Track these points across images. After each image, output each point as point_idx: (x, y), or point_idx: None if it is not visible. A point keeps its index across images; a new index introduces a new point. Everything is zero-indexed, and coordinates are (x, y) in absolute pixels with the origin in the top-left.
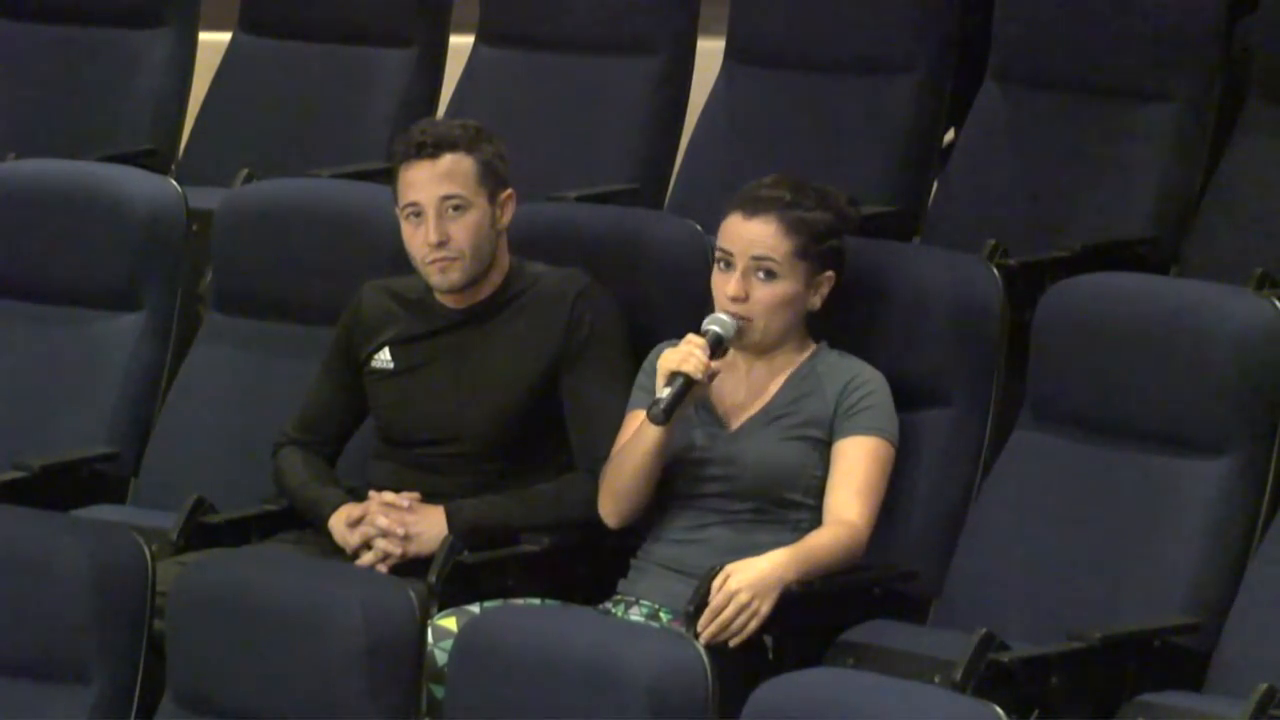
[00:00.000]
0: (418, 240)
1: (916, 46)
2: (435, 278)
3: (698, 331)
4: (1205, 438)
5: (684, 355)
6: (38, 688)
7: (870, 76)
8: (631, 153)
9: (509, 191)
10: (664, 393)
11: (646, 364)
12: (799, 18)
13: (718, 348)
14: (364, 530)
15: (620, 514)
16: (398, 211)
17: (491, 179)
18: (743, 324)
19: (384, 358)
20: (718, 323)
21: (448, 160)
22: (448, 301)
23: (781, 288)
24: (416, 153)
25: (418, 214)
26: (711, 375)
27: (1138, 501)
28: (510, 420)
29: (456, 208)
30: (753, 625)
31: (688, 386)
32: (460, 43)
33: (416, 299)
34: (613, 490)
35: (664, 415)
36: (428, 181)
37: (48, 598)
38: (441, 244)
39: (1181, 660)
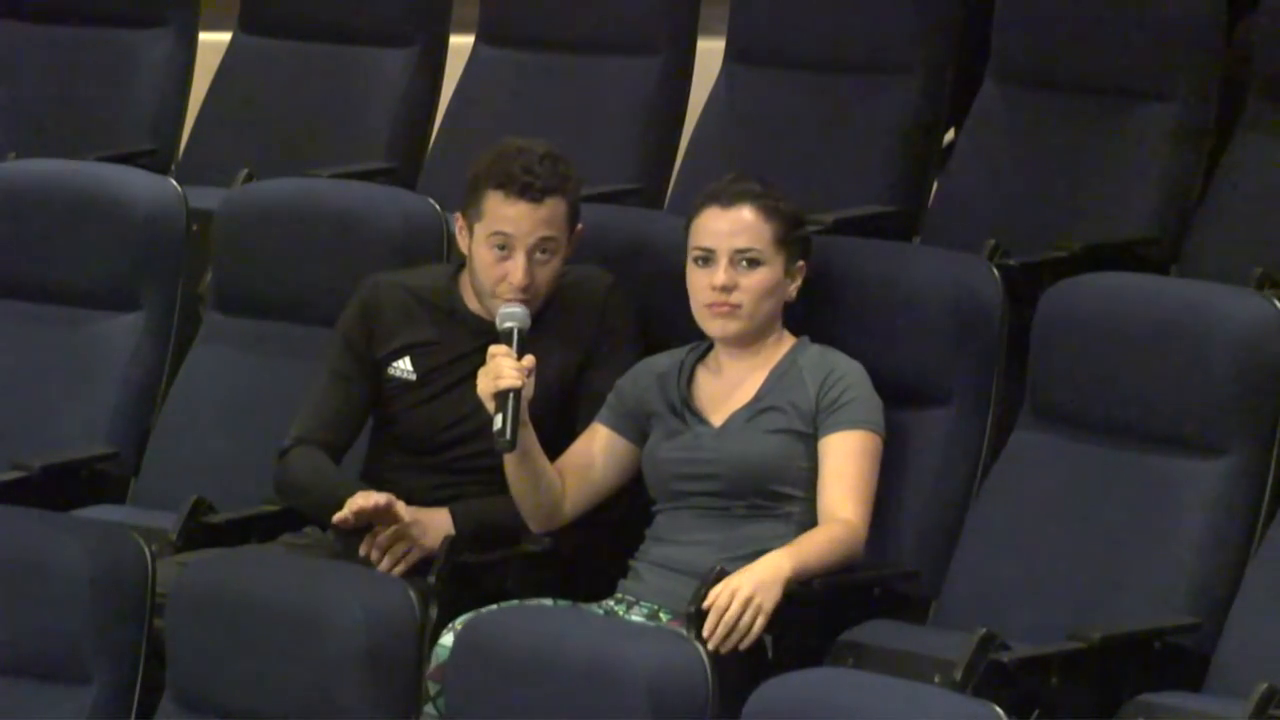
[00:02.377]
0: (496, 273)
1: (916, 46)
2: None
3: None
4: (1205, 438)
5: (498, 371)
6: (38, 688)
7: (870, 76)
8: (631, 153)
9: (581, 226)
10: (498, 420)
11: (620, 384)
12: (799, 18)
13: (520, 341)
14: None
15: (535, 523)
16: (471, 224)
17: (574, 218)
18: (728, 313)
19: (404, 367)
20: (509, 318)
21: (550, 205)
22: (482, 314)
23: (766, 274)
24: (521, 192)
25: (504, 247)
26: (529, 371)
27: (1138, 501)
28: (539, 426)
29: (545, 250)
30: (760, 623)
31: (517, 399)
32: (460, 43)
33: (443, 305)
34: (520, 505)
35: (512, 443)
36: (527, 223)
37: (48, 598)
38: (525, 287)
39: (1181, 660)
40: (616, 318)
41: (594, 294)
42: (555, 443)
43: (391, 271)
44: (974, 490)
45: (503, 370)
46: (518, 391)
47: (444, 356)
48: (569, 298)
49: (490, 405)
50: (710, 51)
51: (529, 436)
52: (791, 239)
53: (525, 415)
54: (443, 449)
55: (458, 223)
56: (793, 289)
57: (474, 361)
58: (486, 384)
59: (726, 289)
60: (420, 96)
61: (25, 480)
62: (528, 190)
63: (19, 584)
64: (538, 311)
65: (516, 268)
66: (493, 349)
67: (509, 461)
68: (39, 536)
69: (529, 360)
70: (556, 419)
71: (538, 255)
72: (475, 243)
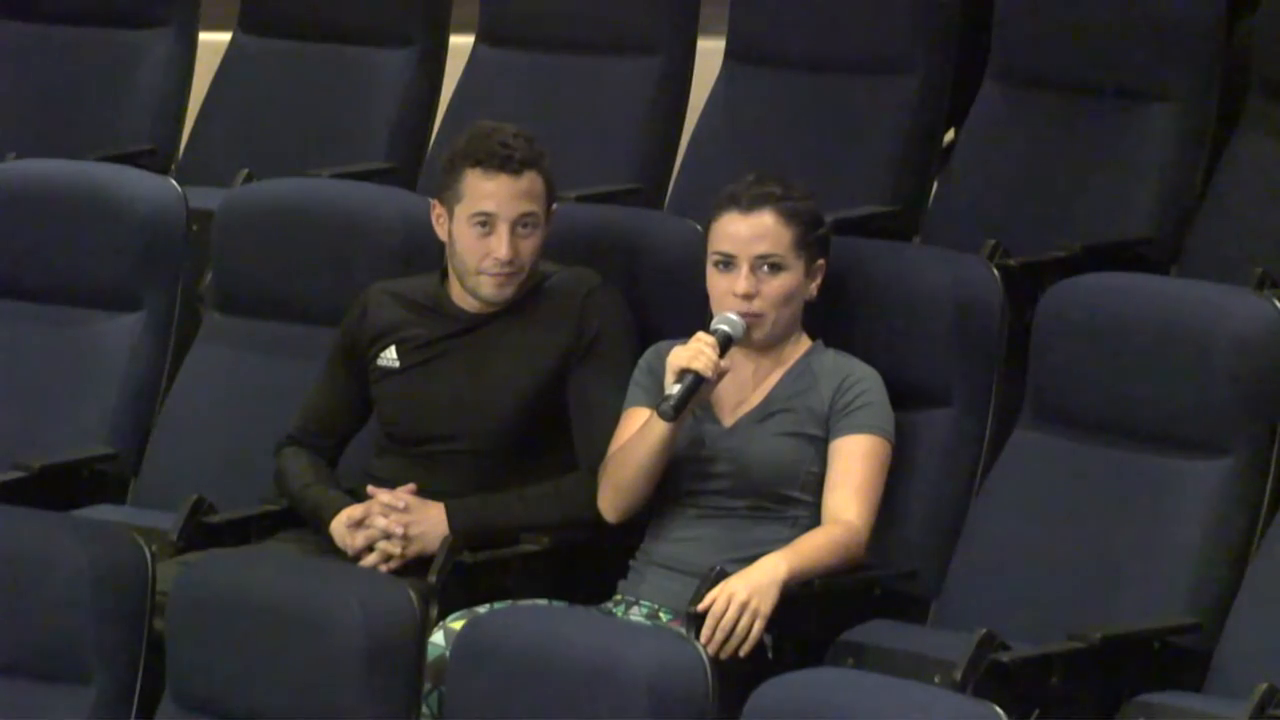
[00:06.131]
0: (479, 250)
1: (916, 46)
2: (489, 290)
3: (701, 330)
4: (1205, 438)
5: (694, 352)
6: (38, 688)
7: (870, 76)
8: (631, 153)
9: (554, 207)
10: (674, 389)
11: (643, 362)
12: (799, 18)
13: (726, 347)
14: (367, 533)
15: (620, 509)
16: (450, 207)
17: (550, 196)
18: (752, 321)
19: (390, 356)
20: (727, 323)
21: (529, 178)
22: (465, 305)
23: (787, 279)
24: (500, 166)
25: (486, 224)
26: (721, 373)
27: (1138, 501)
28: (516, 418)
29: (527, 225)
30: (757, 626)
31: (697, 384)
32: (460, 43)
33: (428, 303)
34: (615, 485)
35: (673, 411)
36: (508, 197)
37: (48, 598)
38: (510, 261)
39: (1181, 660)
40: (597, 320)
41: (575, 295)
42: (528, 443)
43: (388, 280)
44: (974, 490)
45: (700, 354)
46: (701, 380)
47: (426, 342)
48: (551, 296)
49: (672, 375)
50: (710, 51)
51: (681, 424)
52: (811, 240)
53: (694, 404)
54: (421, 439)
55: (434, 210)
56: (814, 288)
57: (452, 344)
58: (681, 356)
59: (749, 297)
60: (420, 96)
61: (25, 480)
62: (507, 163)
63: (19, 584)
64: (510, 309)
65: (500, 242)
66: (702, 335)
67: (652, 437)
68: (39, 536)
69: (726, 363)
70: (529, 418)
71: (519, 230)
72: (456, 225)
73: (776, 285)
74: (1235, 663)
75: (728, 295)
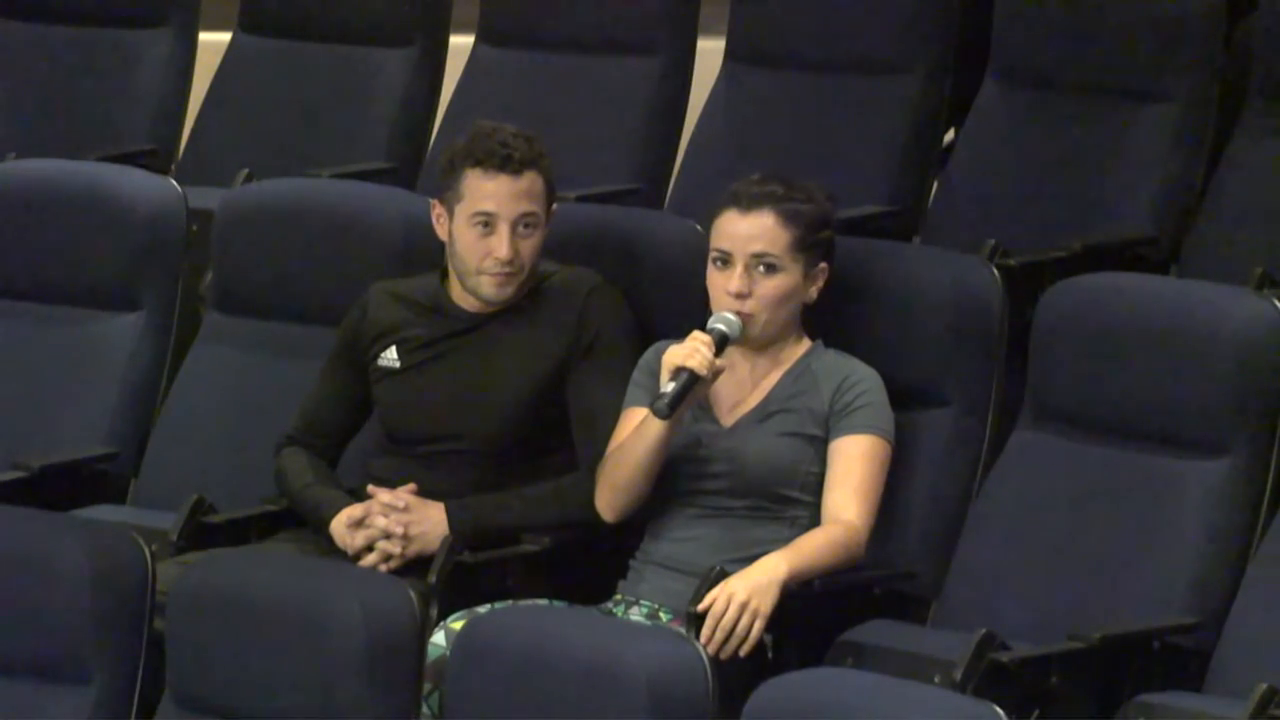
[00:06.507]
0: (479, 250)
1: (916, 46)
2: (490, 290)
3: (700, 330)
4: (1205, 438)
5: (690, 351)
6: (38, 688)
7: (870, 76)
8: (631, 153)
9: (554, 207)
10: (668, 387)
11: (643, 362)
12: (799, 18)
13: (722, 347)
14: (367, 533)
15: (618, 509)
16: (450, 207)
17: (550, 196)
18: (746, 320)
19: (390, 356)
20: (724, 322)
21: (529, 178)
22: (466, 305)
23: (783, 281)
24: (500, 166)
25: (487, 224)
26: (716, 372)
27: (1138, 501)
28: (515, 418)
29: (527, 225)
30: (757, 626)
31: (692, 382)
32: (460, 43)
33: (428, 303)
34: (612, 485)
35: (668, 409)
36: (508, 197)
37: (48, 598)
38: (511, 261)
39: (1181, 660)
40: (598, 320)
41: (575, 295)
42: (527, 443)
43: (389, 280)
44: (974, 490)
45: (695, 352)
46: (696, 378)
47: (426, 342)
48: (551, 296)
49: (667, 374)
50: (710, 51)
51: (678, 422)
52: (812, 242)
53: (688, 402)
54: (420, 439)
55: (434, 210)
56: (813, 291)
57: (452, 344)
58: (676, 354)
59: (741, 296)
60: (420, 96)
61: (25, 480)
62: (507, 163)
63: (19, 584)
64: (510, 309)
65: (501, 242)
66: (698, 333)
67: (648, 436)
68: (39, 536)
69: (722, 362)
70: (529, 417)
71: (519, 230)
72: (456, 225)
73: (771, 286)
74: (1235, 663)
75: (721, 293)
